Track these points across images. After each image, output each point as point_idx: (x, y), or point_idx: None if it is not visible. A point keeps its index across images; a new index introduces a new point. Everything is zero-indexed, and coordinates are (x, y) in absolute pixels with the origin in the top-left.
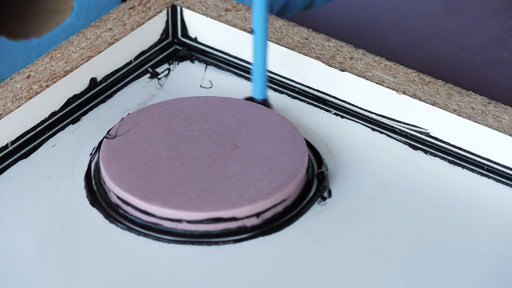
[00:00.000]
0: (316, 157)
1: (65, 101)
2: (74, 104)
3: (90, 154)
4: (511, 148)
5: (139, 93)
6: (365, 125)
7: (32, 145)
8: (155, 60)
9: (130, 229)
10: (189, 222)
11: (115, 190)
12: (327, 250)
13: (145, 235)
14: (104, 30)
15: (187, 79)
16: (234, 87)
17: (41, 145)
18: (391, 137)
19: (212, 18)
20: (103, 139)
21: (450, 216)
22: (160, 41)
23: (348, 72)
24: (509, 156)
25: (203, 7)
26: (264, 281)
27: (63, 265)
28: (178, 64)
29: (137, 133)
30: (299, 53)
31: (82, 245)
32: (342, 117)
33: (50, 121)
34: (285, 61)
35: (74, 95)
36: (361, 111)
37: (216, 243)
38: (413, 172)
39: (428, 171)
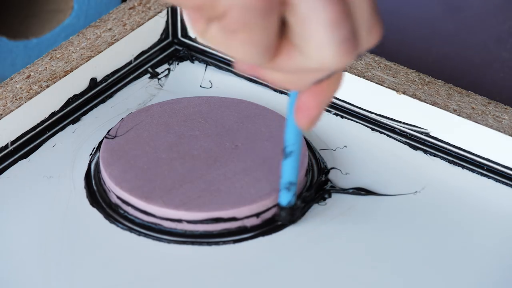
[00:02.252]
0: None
1: (65, 101)
2: (74, 104)
3: (90, 154)
4: (511, 148)
5: (139, 93)
6: (365, 125)
7: (32, 145)
8: (155, 60)
9: (130, 229)
10: (189, 222)
11: (115, 190)
12: (327, 250)
13: (145, 235)
14: (104, 30)
15: (187, 79)
16: (234, 87)
17: (41, 145)
18: (391, 137)
19: None
20: (103, 139)
21: (450, 216)
22: (160, 41)
23: (348, 72)
24: (509, 156)
25: None
26: (264, 281)
27: (63, 265)
28: (178, 64)
29: (137, 133)
30: None
31: (82, 245)
32: (342, 117)
33: (50, 121)
34: None
35: (74, 95)
36: (361, 111)
37: (216, 243)
38: (413, 172)
39: (428, 171)
